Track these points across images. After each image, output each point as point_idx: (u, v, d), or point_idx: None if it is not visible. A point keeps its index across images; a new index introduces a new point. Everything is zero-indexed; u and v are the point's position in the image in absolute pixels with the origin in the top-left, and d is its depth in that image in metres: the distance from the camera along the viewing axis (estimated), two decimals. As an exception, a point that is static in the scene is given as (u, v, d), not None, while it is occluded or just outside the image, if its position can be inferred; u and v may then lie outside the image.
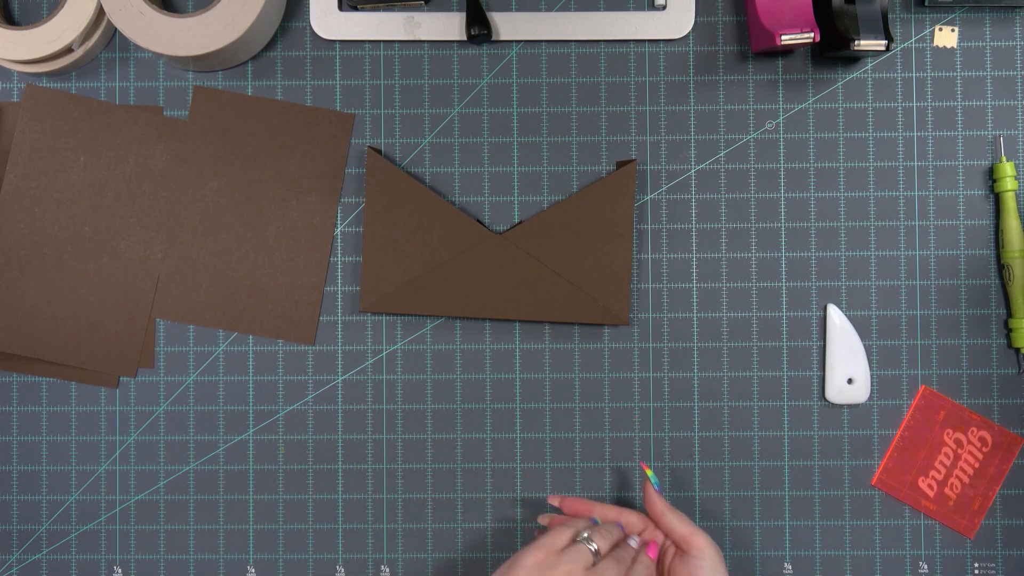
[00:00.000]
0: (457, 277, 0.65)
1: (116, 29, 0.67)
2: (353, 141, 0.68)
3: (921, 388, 0.67)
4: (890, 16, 0.67)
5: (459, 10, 0.67)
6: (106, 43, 0.68)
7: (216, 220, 0.67)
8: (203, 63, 0.66)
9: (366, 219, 0.65)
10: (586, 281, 0.65)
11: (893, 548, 0.67)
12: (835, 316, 0.67)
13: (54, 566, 0.68)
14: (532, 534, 0.67)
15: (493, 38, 0.67)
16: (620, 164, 0.67)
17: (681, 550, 0.57)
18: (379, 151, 0.67)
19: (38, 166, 0.67)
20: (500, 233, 0.66)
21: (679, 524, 0.57)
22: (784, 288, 0.68)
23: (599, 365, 0.68)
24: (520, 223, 0.66)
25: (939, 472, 0.67)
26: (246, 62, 0.68)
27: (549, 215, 0.65)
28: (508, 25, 0.67)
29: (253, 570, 0.68)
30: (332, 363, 0.68)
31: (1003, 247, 0.66)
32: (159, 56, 0.65)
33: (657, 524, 0.59)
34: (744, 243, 0.68)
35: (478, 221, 0.66)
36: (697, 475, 0.68)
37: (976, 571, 0.67)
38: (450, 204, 0.65)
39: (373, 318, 0.68)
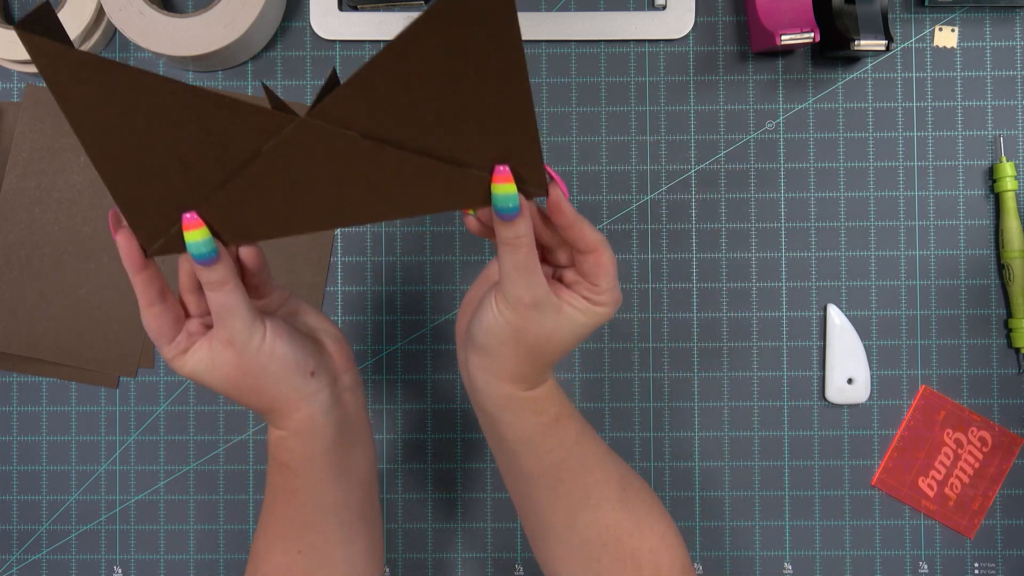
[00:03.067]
0: (266, 191, 0.41)
1: (116, 29, 0.67)
2: (353, 141, 0.68)
3: (921, 388, 0.67)
4: (890, 16, 0.67)
5: (459, 10, 0.67)
6: (106, 43, 0.68)
7: (216, 220, 0.67)
8: (203, 63, 0.66)
9: (82, 140, 0.39)
10: (464, 149, 0.40)
11: (893, 548, 0.67)
12: (835, 316, 0.67)
13: (54, 566, 0.68)
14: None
15: (493, 38, 0.67)
16: None
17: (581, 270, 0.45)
18: (43, 30, 0.37)
19: (38, 166, 0.67)
20: (309, 116, 0.39)
21: (590, 232, 0.43)
22: (784, 288, 0.68)
23: (599, 365, 0.68)
24: (334, 89, 0.38)
25: (939, 472, 0.67)
26: (246, 62, 0.68)
27: (377, 66, 0.37)
28: (508, 25, 0.67)
29: None
30: (332, 363, 0.68)
31: (1003, 247, 0.66)
32: (159, 56, 0.65)
33: (566, 233, 0.44)
34: (744, 243, 0.68)
35: (272, 98, 0.41)
36: (697, 475, 0.68)
37: (976, 571, 0.67)
38: (207, 89, 0.38)
39: (374, 318, 0.68)
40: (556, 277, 0.46)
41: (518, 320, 0.43)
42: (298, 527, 0.49)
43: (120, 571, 0.68)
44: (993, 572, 0.67)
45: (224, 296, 0.42)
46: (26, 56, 0.64)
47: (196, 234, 0.41)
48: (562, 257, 0.46)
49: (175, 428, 0.68)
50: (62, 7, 0.64)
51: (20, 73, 0.68)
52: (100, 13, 0.66)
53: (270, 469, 0.49)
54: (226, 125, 0.39)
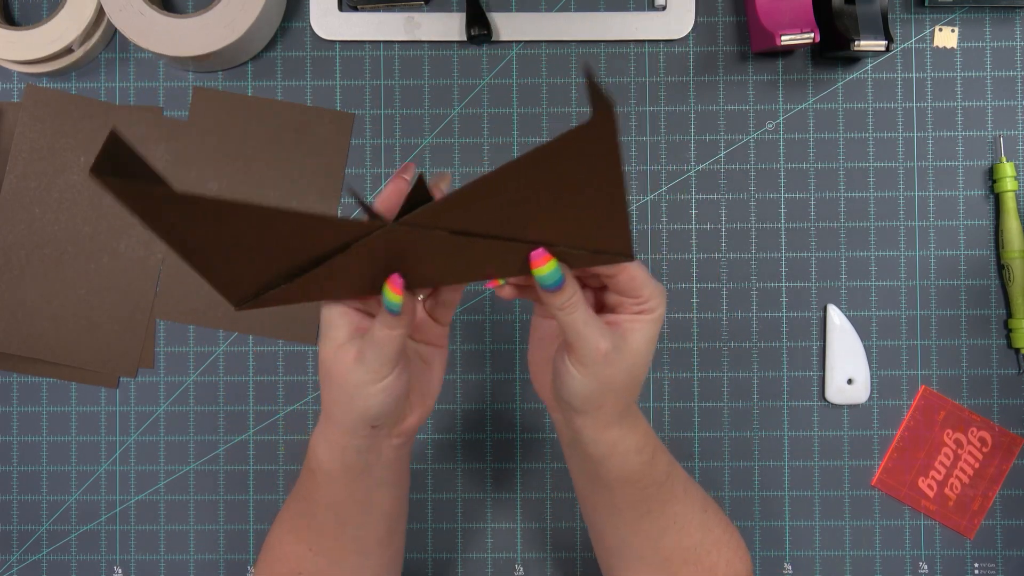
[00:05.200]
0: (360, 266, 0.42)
1: (116, 29, 0.67)
2: (353, 141, 0.68)
3: (921, 388, 0.67)
4: (890, 16, 0.67)
5: (459, 10, 0.67)
6: (106, 43, 0.68)
7: (216, 220, 0.67)
8: (203, 63, 0.66)
9: (172, 247, 0.39)
10: (551, 237, 0.41)
11: (893, 548, 0.67)
12: (835, 316, 0.67)
13: (54, 566, 0.68)
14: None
15: (493, 38, 0.67)
16: (593, 98, 0.34)
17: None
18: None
19: (38, 166, 0.67)
20: (397, 224, 0.39)
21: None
22: (784, 288, 0.68)
23: (599, 365, 0.68)
24: (425, 203, 0.39)
25: (939, 472, 0.67)
26: (246, 62, 0.68)
27: (472, 190, 0.38)
28: (508, 25, 0.67)
29: (253, 570, 0.68)
30: (332, 363, 0.68)
31: (1003, 247, 0.66)
32: (159, 56, 0.65)
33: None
34: (744, 243, 0.68)
35: (359, 202, 0.39)
36: (697, 475, 0.68)
37: (976, 571, 0.67)
38: (293, 211, 0.37)
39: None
40: (597, 303, 0.46)
41: (603, 369, 0.43)
42: (313, 530, 0.50)
43: (120, 571, 0.68)
44: (993, 572, 0.67)
45: (385, 335, 0.42)
46: (26, 56, 0.65)
47: (391, 295, 0.42)
48: (592, 281, 0.46)
49: (175, 428, 0.68)
50: (62, 7, 0.64)
51: (20, 73, 0.68)
52: (100, 13, 0.66)
53: (305, 464, 0.50)
54: (315, 234, 0.40)
